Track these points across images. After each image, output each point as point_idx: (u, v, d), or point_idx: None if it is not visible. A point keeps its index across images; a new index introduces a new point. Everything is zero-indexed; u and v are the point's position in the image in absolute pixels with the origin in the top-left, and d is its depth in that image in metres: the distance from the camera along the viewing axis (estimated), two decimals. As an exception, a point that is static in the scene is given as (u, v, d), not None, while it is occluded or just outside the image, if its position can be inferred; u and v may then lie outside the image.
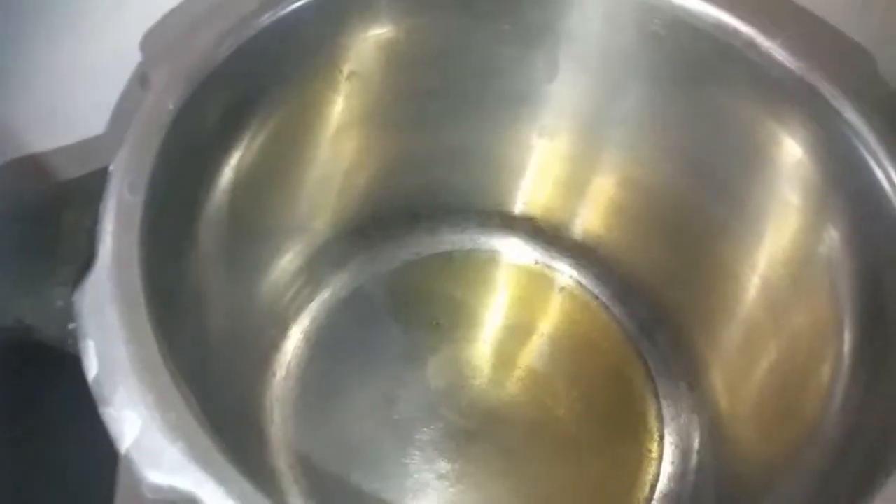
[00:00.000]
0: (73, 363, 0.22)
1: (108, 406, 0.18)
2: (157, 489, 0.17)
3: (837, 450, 0.24)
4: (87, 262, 0.22)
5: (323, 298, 0.38)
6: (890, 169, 0.24)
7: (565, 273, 0.40)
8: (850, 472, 0.22)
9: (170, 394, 0.19)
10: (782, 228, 0.28)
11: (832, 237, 0.26)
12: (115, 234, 0.21)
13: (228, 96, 0.26)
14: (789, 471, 0.27)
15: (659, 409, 0.37)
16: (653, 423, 0.36)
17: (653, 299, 0.37)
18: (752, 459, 0.30)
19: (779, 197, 0.28)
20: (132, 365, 0.19)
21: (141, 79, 0.24)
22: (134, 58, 0.28)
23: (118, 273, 0.20)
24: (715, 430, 0.34)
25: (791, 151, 0.27)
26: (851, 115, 0.25)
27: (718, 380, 0.34)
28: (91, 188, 0.25)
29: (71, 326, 0.20)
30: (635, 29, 0.29)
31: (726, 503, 0.31)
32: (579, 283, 0.39)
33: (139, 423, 0.18)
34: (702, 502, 0.33)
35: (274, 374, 0.36)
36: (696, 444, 0.35)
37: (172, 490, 0.17)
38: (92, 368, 0.19)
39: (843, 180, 0.25)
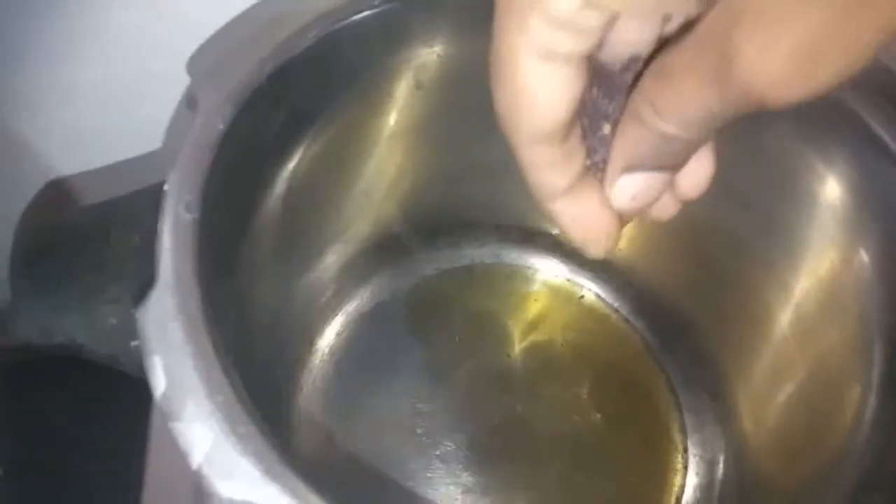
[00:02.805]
0: (125, 381, 0.23)
1: (178, 421, 0.18)
2: (230, 503, 0.18)
3: (867, 471, 0.24)
4: (139, 279, 0.22)
5: (347, 312, 0.38)
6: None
7: (585, 286, 0.40)
8: (881, 493, 0.23)
9: (237, 408, 0.19)
10: (817, 255, 0.29)
11: (863, 261, 0.26)
12: (175, 252, 0.21)
13: (275, 116, 0.27)
14: (818, 488, 0.27)
15: (682, 421, 0.37)
16: (676, 435, 0.37)
17: (675, 314, 0.38)
18: (777, 474, 0.31)
19: (814, 224, 0.28)
20: (200, 380, 0.19)
21: (189, 100, 0.25)
22: (173, 79, 0.29)
23: (180, 290, 0.21)
24: (739, 443, 0.34)
25: (828, 179, 0.27)
26: (887, 138, 0.25)
27: (742, 394, 0.34)
28: (138, 207, 0.25)
29: (133, 344, 0.20)
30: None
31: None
32: (600, 297, 0.40)
33: (210, 437, 0.18)
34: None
35: (301, 389, 0.36)
36: (720, 456, 0.35)
37: (245, 504, 0.18)
38: (160, 384, 0.19)
39: (875, 203, 0.26)
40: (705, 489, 0.35)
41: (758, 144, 0.28)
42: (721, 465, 0.35)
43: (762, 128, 0.28)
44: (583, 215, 0.19)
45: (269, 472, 0.18)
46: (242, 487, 0.18)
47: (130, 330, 0.21)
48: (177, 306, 0.20)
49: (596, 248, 0.20)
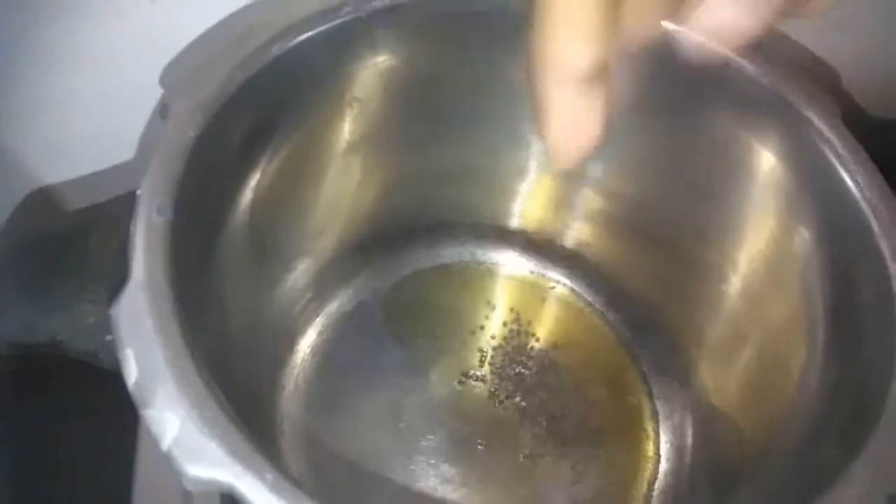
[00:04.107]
0: (103, 377, 0.24)
1: (149, 408, 0.20)
2: (198, 482, 0.19)
3: (816, 427, 0.26)
4: (116, 280, 0.23)
5: (328, 313, 0.39)
6: (855, 171, 0.26)
7: (559, 282, 0.41)
8: (829, 445, 0.24)
9: (204, 395, 0.20)
10: (759, 231, 0.31)
11: (804, 236, 0.28)
12: (146, 252, 0.23)
13: (244, 124, 0.28)
14: (774, 450, 0.29)
15: (654, 410, 0.38)
16: (648, 423, 0.38)
17: (644, 304, 0.39)
18: (740, 445, 0.32)
19: (755, 202, 0.30)
20: (169, 370, 0.20)
21: (162, 109, 0.26)
22: (150, 90, 0.30)
23: (151, 287, 0.22)
24: (706, 424, 0.35)
25: (765, 160, 0.29)
26: (820, 123, 0.27)
27: (707, 375, 0.36)
28: (115, 212, 0.27)
29: (108, 338, 0.21)
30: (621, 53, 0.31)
31: (720, 489, 0.32)
32: (573, 291, 0.41)
33: (178, 422, 0.19)
34: (698, 493, 0.34)
35: (283, 388, 0.37)
36: (689, 441, 0.36)
37: (213, 483, 0.19)
38: (132, 374, 0.20)
39: (813, 184, 0.28)
40: (676, 473, 0.36)
41: (699, 131, 0.30)
42: (689, 450, 0.36)
43: (703, 116, 0.30)
44: (578, 117, 0.18)
45: (233, 453, 0.19)
46: (209, 468, 0.19)
47: (108, 327, 0.22)
48: (147, 301, 0.21)
49: (565, 161, 0.19)
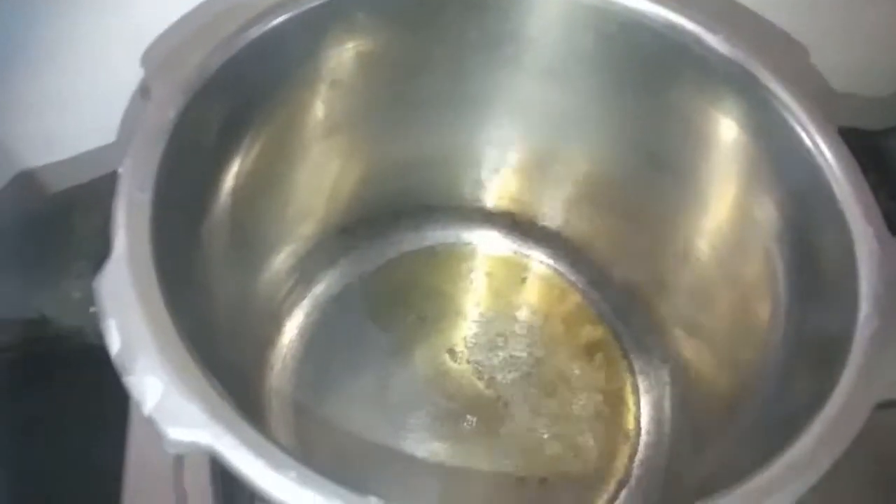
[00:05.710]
0: (89, 352, 0.24)
1: (131, 375, 0.20)
2: (178, 445, 0.20)
3: (783, 377, 0.27)
4: (100, 256, 0.24)
5: (315, 295, 0.40)
6: (819, 141, 0.27)
7: (542, 261, 0.42)
8: (796, 394, 0.25)
9: (186, 361, 0.21)
10: (724, 200, 0.32)
11: (766, 203, 0.29)
12: (128, 227, 0.23)
13: (224, 104, 0.28)
14: (746, 406, 0.30)
15: (635, 385, 0.39)
16: (630, 398, 0.39)
17: (624, 281, 0.40)
18: (715, 406, 0.33)
19: (722, 173, 0.31)
20: (151, 338, 0.21)
21: (143, 90, 0.26)
22: (129, 76, 0.31)
23: (133, 260, 0.22)
24: (684, 394, 0.36)
25: (731, 132, 0.30)
26: (785, 95, 0.28)
27: (685, 345, 0.36)
28: (98, 192, 0.27)
29: (92, 310, 0.22)
30: (593, 32, 0.32)
31: (696, 452, 0.33)
32: (556, 271, 0.42)
33: (160, 387, 0.20)
34: (676, 460, 0.35)
35: (271, 368, 0.38)
36: (668, 413, 0.37)
37: (193, 445, 0.19)
38: (115, 344, 0.21)
39: (776, 153, 0.28)
40: (656, 446, 0.37)
41: (668, 107, 0.31)
42: (669, 422, 0.37)
43: (672, 92, 0.31)
44: None
45: (214, 415, 0.20)
46: (189, 430, 0.20)
47: (93, 302, 0.23)
48: (129, 272, 0.22)
49: None
